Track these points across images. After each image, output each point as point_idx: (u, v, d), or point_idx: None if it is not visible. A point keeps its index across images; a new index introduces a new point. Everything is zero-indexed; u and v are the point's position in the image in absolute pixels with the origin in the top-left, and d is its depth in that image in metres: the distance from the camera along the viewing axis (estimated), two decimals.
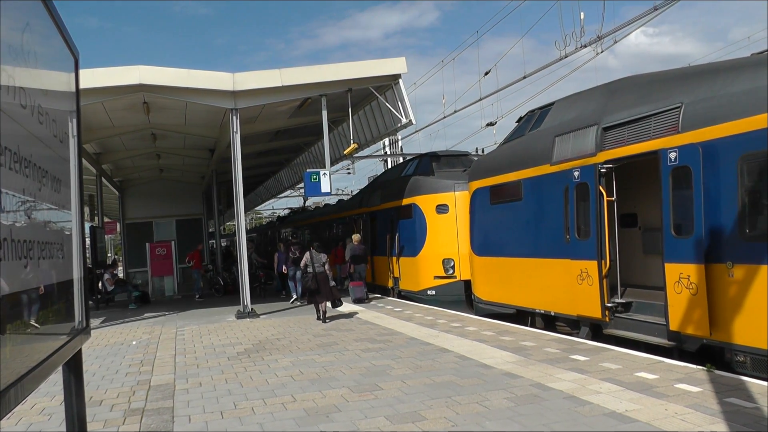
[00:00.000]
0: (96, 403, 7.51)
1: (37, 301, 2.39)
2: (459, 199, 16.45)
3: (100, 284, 20.75)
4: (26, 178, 2.24)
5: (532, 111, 13.04)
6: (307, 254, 14.37)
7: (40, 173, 2.46)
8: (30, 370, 2.18)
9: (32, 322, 2.31)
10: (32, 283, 2.30)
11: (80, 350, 3.13)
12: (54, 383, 7.90)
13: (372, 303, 17.03)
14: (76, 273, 3.10)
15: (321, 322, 13.73)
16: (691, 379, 7.04)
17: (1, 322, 1.92)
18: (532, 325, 12.05)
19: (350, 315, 14.61)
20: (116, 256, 35.31)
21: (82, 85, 3.81)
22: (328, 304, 14.22)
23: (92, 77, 13.46)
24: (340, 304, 14.55)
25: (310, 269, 14.04)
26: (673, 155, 8.42)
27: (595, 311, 9.96)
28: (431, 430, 5.79)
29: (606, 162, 9.76)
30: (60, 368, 2.87)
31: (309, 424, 6.21)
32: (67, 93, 3.23)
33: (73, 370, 3.05)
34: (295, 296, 18.51)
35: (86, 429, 3.17)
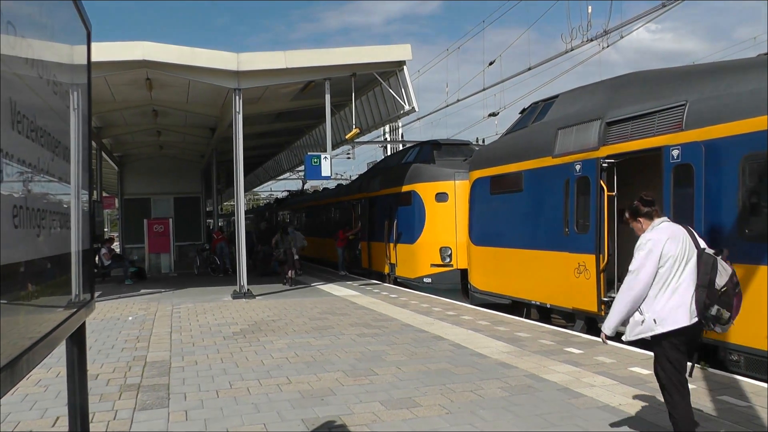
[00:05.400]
0: (92, 377, 7.53)
1: (45, 271, 2.39)
2: (459, 188, 16.46)
3: (96, 258, 20.76)
4: (41, 147, 2.24)
5: (536, 103, 13.03)
6: (277, 235, 18.81)
7: (53, 143, 2.46)
8: (37, 341, 2.19)
9: (40, 293, 2.31)
10: (44, 253, 2.31)
11: (84, 323, 3.14)
12: (50, 355, 7.90)
13: (368, 288, 17.08)
14: (83, 245, 3.10)
15: (286, 285, 17.91)
16: None
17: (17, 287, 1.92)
18: (527, 317, 12.10)
19: (345, 299, 14.66)
20: (111, 235, 35.10)
21: None
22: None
23: (95, 51, 13.21)
24: (299, 274, 20.11)
25: (281, 246, 18.52)
26: (675, 152, 8.43)
27: (591, 305, 10.00)
28: (425, 417, 5.84)
29: (608, 156, 9.76)
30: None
31: (304, 406, 6.24)
32: (80, 66, 3.21)
33: (77, 343, 3.06)
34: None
35: (87, 402, 3.18)
